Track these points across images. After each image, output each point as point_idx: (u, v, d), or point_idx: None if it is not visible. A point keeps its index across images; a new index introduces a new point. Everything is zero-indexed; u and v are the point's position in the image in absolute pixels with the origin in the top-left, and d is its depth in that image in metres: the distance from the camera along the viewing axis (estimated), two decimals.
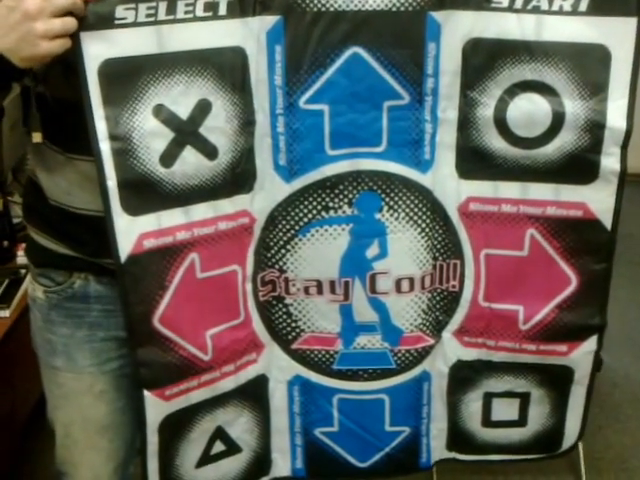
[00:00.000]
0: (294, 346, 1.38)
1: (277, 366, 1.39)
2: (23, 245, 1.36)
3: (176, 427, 1.29)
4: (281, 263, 1.32)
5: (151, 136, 1.13)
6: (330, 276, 1.32)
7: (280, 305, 1.36)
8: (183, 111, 1.16)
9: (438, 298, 1.38)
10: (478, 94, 1.27)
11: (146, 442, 1.26)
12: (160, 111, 1.13)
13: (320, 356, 1.39)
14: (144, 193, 1.15)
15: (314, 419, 1.44)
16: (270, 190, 1.27)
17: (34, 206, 1.25)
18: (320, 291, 1.33)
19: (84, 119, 1.09)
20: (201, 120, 1.18)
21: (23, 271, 2.02)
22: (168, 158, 1.16)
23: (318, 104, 1.24)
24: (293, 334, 1.38)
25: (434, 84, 1.26)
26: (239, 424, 1.37)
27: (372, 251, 1.33)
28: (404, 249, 1.33)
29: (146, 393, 1.23)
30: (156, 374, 1.24)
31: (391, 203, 1.31)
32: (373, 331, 1.37)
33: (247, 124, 1.22)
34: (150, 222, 1.17)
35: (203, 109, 1.17)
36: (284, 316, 1.36)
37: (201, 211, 1.20)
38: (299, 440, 1.45)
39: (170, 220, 1.18)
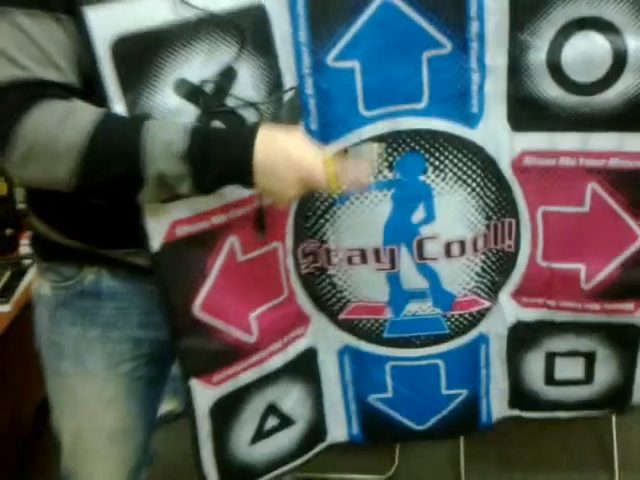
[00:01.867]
0: (341, 317, 1.27)
1: (325, 337, 1.28)
2: (28, 233, 1.21)
3: (227, 410, 1.21)
4: (321, 233, 1.19)
5: (174, 115, 0.99)
6: (374, 244, 1.19)
7: (323, 276, 1.23)
8: (207, 83, 1.01)
9: (493, 259, 1.24)
10: (529, 36, 1.09)
11: (197, 428, 1.17)
12: (182, 86, 0.99)
13: (369, 325, 1.27)
14: None
15: (367, 386, 1.34)
16: None
17: (39, 191, 1.03)
18: (364, 260, 1.20)
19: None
20: (227, 91, 1.02)
21: (27, 262, 1.77)
22: None
23: (348, 61, 1.09)
24: (339, 305, 1.26)
25: (479, 28, 1.09)
26: (291, 398, 1.28)
27: (418, 216, 1.18)
28: (453, 211, 1.18)
29: (193, 381, 1.14)
30: (202, 362, 1.14)
31: (436, 163, 1.15)
32: (423, 298, 1.24)
33: (275, 88, 1.06)
34: (182, 208, 1.04)
35: (228, 78, 1.02)
36: (328, 287, 1.24)
37: (235, 191, 1.07)
38: (353, 407, 1.35)
39: (203, 204, 1.05)
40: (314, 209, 1.19)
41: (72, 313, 1.11)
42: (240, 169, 0.95)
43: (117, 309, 1.11)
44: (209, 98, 1.01)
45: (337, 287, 1.25)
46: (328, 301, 1.26)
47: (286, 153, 0.95)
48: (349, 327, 1.28)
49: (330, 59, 1.08)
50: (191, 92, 1.00)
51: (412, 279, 1.23)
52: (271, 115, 1.06)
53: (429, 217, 1.19)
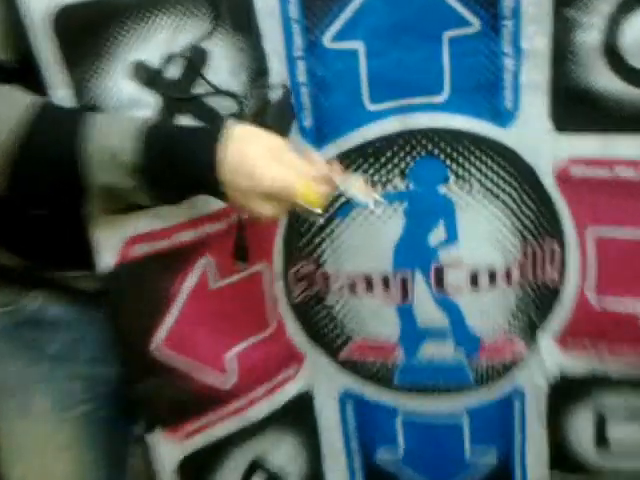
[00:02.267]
0: (343, 355, 1.03)
1: (323, 379, 1.06)
2: None
3: (200, 468, 0.99)
4: (317, 254, 0.97)
5: (129, 106, 0.80)
6: (382, 270, 0.96)
7: (320, 306, 1.01)
8: (171, 67, 0.81)
9: (531, 294, 0.99)
10: (578, 12, 0.84)
11: None
12: (139, 70, 0.80)
13: (377, 368, 1.04)
14: None
15: (374, 439, 1.10)
16: None
17: None
18: (370, 289, 0.97)
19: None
20: (195, 76, 0.83)
21: None
22: None
23: (350, 41, 0.88)
24: (340, 341, 1.03)
25: (514, 2, 0.86)
26: (280, 452, 1.05)
27: (436, 235, 0.95)
28: (481, 231, 0.94)
29: (156, 434, 0.93)
30: (166, 411, 0.94)
31: (460, 171, 0.92)
32: (443, 338, 1.00)
33: (258, 75, 0.84)
34: (140, 220, 0.85)
35: (197, 61, 0.82)
36: (327, 319, 1.01)
37: (209, 201, 0.85)
38: (357, 462, 1.11)
39: (167, 217, 0.85)
40: (309, 224, 0.96)
41: (13, 345, 0.93)
42: (204, 182, 0.76)
43: (67, 341, 0.93)
44: (173, 85, 0.82)
45: (337, 320, 1.02)
46: (326, 336, 1.03)
47: (251, 167, 0.75)
48: (352, 368, 1.05)
49: (327, 39, 0.87)
50: (150, 78, 0.81)
51: (429, 314, 0.99)
52: (253, 112, 0.84)
53: (450, 238, 0.95)
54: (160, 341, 0.90)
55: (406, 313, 1.00)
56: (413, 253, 0.97)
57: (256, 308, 0.97)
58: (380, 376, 1.04)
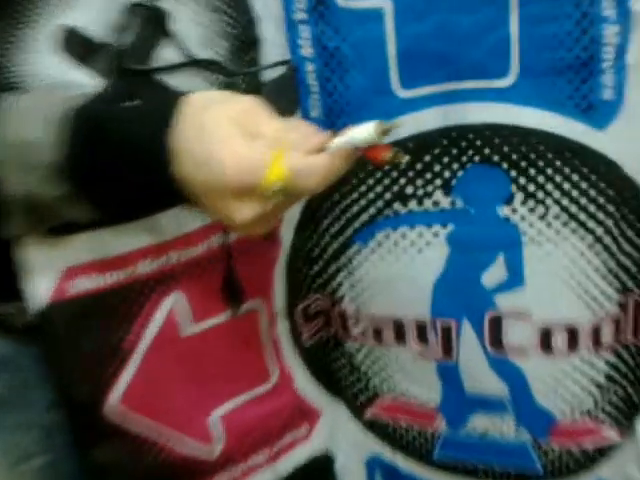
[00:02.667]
0: (368, 414, 0.78)
1: (346, 440, 0.81)
2: None
3: None
4: (332, 286, 0.70)
5: (61, 87, 0.58)
6: (416, 314, 0.69)
7: (338, 352, 0.74)
8: (113, 36, 0.59)
9: (630, 361, 0.69)
10: None
11: None
12: (72, 39, 0.58)
13: (412, 435, 0.78)
14: None
15: None
16: None
17: None
18: (401, 338, 0.70)
19: None
20: (150, 47, 0.60)
21: None
22: None
23: None
24: (364, 397, 0.77)
25: None
26: None
27: (493, 274, 0.68)
28: (558, 272, 0.66)
29: None
30: None
31: (530, 187, 0.63)
32: (500, 410, 0.73)
33: (246, 46, 0.60)
34: (82, 246, 0.63)
35: (156, 28, 0.59)
36: (346, 370, 0.76)
37: (177, 220, 0.61)
38: None
39: (121, 241, 0.63)
40: (321, 247, 0.70)
41: None
42: (156, 183, 0.53)
43: (14, 384, 0.74)
44: (115, 59, 0.59)
45: (360, 371, 0.76)
46: (348, 389, 0.79)
47: (206, 149, 0.50)
48: (381, 432, 0.79)
49: None
50: (85, 49, 0.59)
51: (480, 378, 0.72)
52: (238, 87, 0.59)
53: (514, 279, 0.67)
54: (115, 401, 0.67)
55: (449, 373, 0.73)
56: (460, 296, 0.69)
57: (250, 356, 0.73)
58: (416, 446, 0.78)
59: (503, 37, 0.60)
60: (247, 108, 0.49)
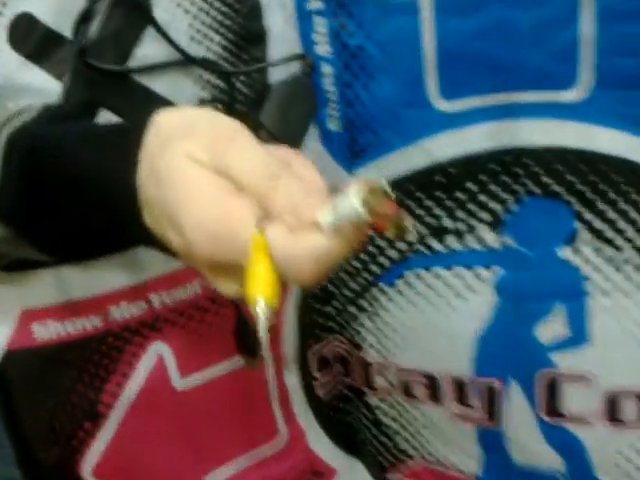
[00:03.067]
0: (393, 477, 0.64)
1: None
2: None
3: None
4: (352, 330, 0.58)
5: (12, 92, 0.48)
6: (454, 370, 0.57)
7: (359, 405, 0.62)
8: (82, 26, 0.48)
9: None
10: None
11: None
12: (25, 30, 0.48)
13: None
14: None
15: None
16: None
17: None
18: (435, 395, 0.58)
19: None
20: (129, 42, 0.48)
21: None
22: None
23: None
24: (389, 458, 0.65)
25: None
26: None
27: (550, 328, 0.55)
28: (629, 329, 0.52)
29: None
30: None
31: (598, 224, 0.51)
32: None
33: (247, 41, 0.49)
34: (44, 286, 0.52)
35: (132, 16, 0.48)
36: (369, 424, 0.63)
37: (160, 254, 0.50)
38: None
39: (90, 280, 0.53)
40: (339, 284, 0.57)
41: None
42: (118, 227, 0.40)
43: None
44: (77, 56, 0.48)
45: (384, 428, 0.63)
46: (370, 446, 0.66)
47: (165, 200, 0.36)
48: None
49: None
50: (42, 43, 0.48)
51: (531, 447, 0.60)
52: (237, 94, 0.47)
53: (575, 335, 0.54)
54: (89, 470, 0.56)
55: (493, 440, 0.60)
56: (508, 352, 0.56)
57: (254, 410, 0.61)
58: None
59: (572, 38, 0.46)
60: (218, 138, 0.35)
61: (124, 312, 0.53)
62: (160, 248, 0.38)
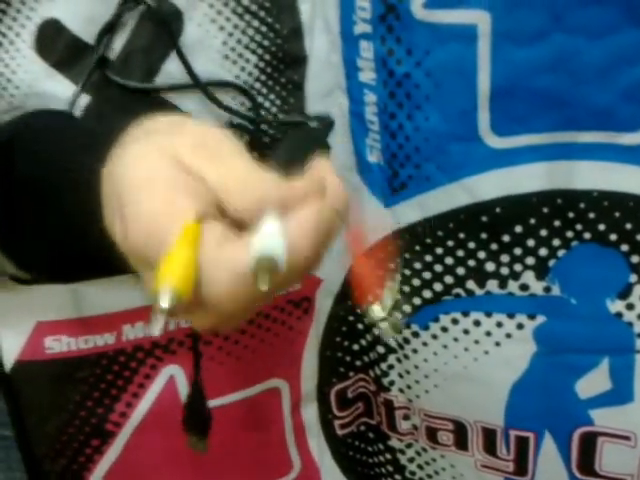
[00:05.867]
0: None
1: None
2: None
3: None
4: (379, 370, 0.53)
5: (39, 102, 0.44)
6: (486, 420, 0.52)
7: (380, 447, 0.56)
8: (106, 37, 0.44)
9: None
10: None
11: None
12: (50, 37, 0.44)
13: None
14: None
15: None
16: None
17: None
18: (462, 444, 0.53)
19: None
20: (160, 60, 0.44)
21: None
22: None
23: (463, 9, 0.42)
24: None
25: None
26: None
27: (592, 383, 0.49)
28: None
29: None
30: None
31: None
32: None
33: (286, 64, 0.45)
34: (60, 300, 0.49)
35: (160, 30, 0.44)
36: (390, 468, 0.57)
37: None
38: None
39: (104, 297, 0.49)
40: (365, 323, 0.52)
41: None
42: (82, 216, 0.35)
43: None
44: (96, 68, 0.44)
45: (406, 472, 0.58)
46: None
47: (123, 203, 0.31)
48: None
49: (419, 4, 0.41)
50: (73, 51, 0.44)
51: None
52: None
53: (619, 393, 0.49)
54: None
55: None
56: (545, 404, 0.51)
57: (267, 442, 0.56)
58: None
59: (635, 73, 0.41)
60: (203, 142, 0.31)
61: (138, 332, 0.49)
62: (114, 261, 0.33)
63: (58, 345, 0.49)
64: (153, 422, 0.52)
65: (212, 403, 0.53)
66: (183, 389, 0.52)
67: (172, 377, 0.51)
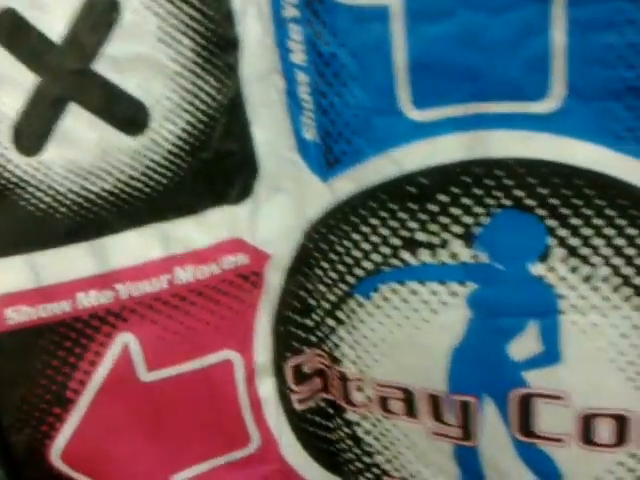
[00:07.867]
0: None
1: None
2: None
3: None
4: (331, 343, 0.55)
5: None
6: (429, 386, 0.54)
7: (337, 420, 0.59)
8: (58, 24, 0.47)
9: None
10: None
11: None
12: (12, 27, 0.47)
13: None
14: None
15: None
16: (291, 195, 0.49)
17: None
18: (410, 411, 0.55)
19: None
20: (101, 41, 0.47)
21: None
22: (34, 135, 0.49)
23: None
24: (367, 474, 0.62)
25: None
26: None
27: (523, 346, 0.51)
28: (604, 349, 0.49)
29: None
30: None
31: (573, 241, 0.48)
32: None
33: (220, 48, 0.47)
34: (17, 273, 0.52)
35: (103, 17, 0.47)
36: (347, 440, 0.60)
37: (128, 245, 0.47)
38: None
39: (58, 266, 0.52)
40: (316, 296, 0.55)
41: None
42: None
43: None
44: (61, 54, 0.48)
45: (363, 445, 0.60)
46: (348, 463, 0.62)
47: None
48: None
49: None
50: (27, 42, 0.47)
51: (505, 466, 0.57)
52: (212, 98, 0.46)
53: (548, 354, 0.51)
54: (57, 454, 0.54)
55: (468, 458, 0.57)
56: (482, 369, 0.53)
57: (223, 414, 0.59)
58: None
59: (544, 47, 0.44)
60: None
61: (92, 299, 0.52)
62: None
63: (18, 315, 0.53)
64: (110, 390, 0.55)
65: (167, 372, 0.56)
66: (137, 356, 0.55)
67: (126, 344, 0.55)
